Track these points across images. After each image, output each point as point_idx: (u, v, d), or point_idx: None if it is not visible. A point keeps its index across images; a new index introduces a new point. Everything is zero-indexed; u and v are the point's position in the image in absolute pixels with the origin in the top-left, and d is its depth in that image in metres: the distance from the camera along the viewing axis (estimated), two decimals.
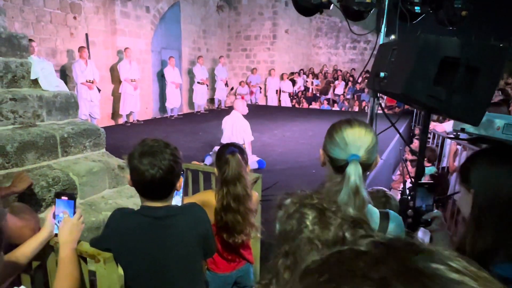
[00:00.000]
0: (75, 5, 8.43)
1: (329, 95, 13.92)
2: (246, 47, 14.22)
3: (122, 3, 9.37)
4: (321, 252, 0.78)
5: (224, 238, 1.93)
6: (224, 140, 5.26)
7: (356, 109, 12.60)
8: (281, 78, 13.73)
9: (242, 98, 11.19)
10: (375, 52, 2.07)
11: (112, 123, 9.52)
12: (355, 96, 12.93)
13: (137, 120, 9.31)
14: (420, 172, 1.74)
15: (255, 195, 2.10)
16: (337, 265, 0.36)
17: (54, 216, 1.46)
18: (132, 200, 2.68)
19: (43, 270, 1.60)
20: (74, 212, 1.45)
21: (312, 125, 9.04)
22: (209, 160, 5.51)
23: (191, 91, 11.69)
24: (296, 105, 14.00)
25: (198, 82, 11.24)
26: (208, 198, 1.96)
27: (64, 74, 8.30)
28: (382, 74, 1.68)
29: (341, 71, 14.82)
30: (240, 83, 13.52)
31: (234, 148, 1.93)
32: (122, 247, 1.40)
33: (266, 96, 14.07)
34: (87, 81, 7.83)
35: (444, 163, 5.18)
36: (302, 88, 14.48)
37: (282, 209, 0.92)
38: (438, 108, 1.45)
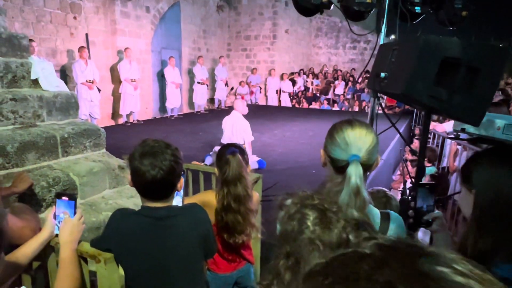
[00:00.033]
0: (75, 5, 8.43)
1: (329, 95, 13.92)
2: (246, 47, 14.22)
3: (122, 3, 9.37)
4: (322, 253, 0.78)
5: (224, 238, 1.93)
6: (224, 140, 5.26)
7: (356, 109, 12.61)
8: (281, 78, 13.73)
9: (242, 98, 11.21)
10: (375, 52, 2.07)
11: (112, 123, 9.53)
12: (355, 96, 12.94)
13: (137, 120, 9.32)
14: (420, 173, 1.74)
15: (256, 195, 2.10)
16: (341, 267, 0.36)
17: (55, 217, 1.46)
18: (132, 200, 2.68)
19: (43, 271, 1.61)
20: (75, 213, 1.45)
21: (312, 125, 9.04)
22: (209, 160, 5.51)
23: (191, 91, 11.70)
24: (296, 105, 14.01)
25: (198, 82, 11.24)
26: (209, 198, 1.96)
27: (64, 74, 8.30)
28: (382, 75, 1.68)
29: (341, 71, 14.83)
30: (240, 83, 13.52)
31: (235, 149, 1.93)
32: (122, 248, 1.40)
33: (266, 96, 14.07)
34: (87, 81, 7.83)
35: (444, 163, 5.18)
36: (302, 88, 14.48)
37: (283, 210, 0.92)
38: (438, 108, 1.45)
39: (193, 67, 11.43)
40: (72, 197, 1.46)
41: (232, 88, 13.63)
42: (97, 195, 2.65)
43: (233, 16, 14.11)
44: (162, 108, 11.00)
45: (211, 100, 12.83)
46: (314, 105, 13.70)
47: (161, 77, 10.76)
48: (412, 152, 4.27)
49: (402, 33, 2.36)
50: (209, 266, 2.04)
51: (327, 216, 0.86)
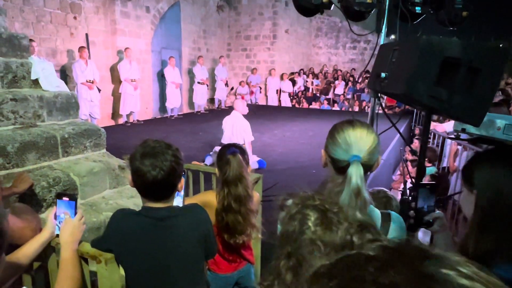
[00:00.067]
0: (75, 5, 8.43)
1: (329, 95, 13.92)
2: (246, 47, 14.22)
3: (122, 3, 9.37)
4: (324, 254, 0.78)
5: (225, 238, 1.93)
6: (225, 140, 5.26)
7: (356, 109, 12.61)
8: (281, 78, 13.73)
9: (242, 98, 11.20)
10: (375, 53, 2.07)
11: (112, 123, 9.52)
12: (355, 96, 12.94)
13: (137, 120, 9.32)
14: (421, 173, 1.74)
15: (257, 195, 2.10)
16: (346, 270, 0.36)
17: (55, 217, 1.46)
18: (132, 200, 2.68)
19: (44, 271, 1.61)
20: (75, 213, 1.45)
21: (312, 125, 9.04)
22: (209, 160, 5.51)
23: (191, 91, 11.70)
24: (296, 105, 14.01)
25: (198, 82, 11.24)
26: (209, 198, 1.95)
27: (64, 74, 8.30)
28: (383, 75, 1.68)
29: (341, 71, 14.83)
30: (240, 83, 13.52)
31: (235, 149, 1.93)
32: (123, 248, 1.40)
33: (266, 96, 14.07)
34: (87, 81, 7.83)
35: (444, 163, 5.19)
36: (302, 88, 14.48)
37: (284, 210, 0.92)
38: (439, 109, 1.45)
39: (193, 67, 11.43)
40: (73, 198, 1.46)
41: (232, 88, 13.63)
42: (97, 195, 2.65)
43: (233, 16, 14.11)
44: (162, 108, 11.00)
45: (211, 100, 12.83)
46: (314, 105, 13.70)
47: (161, 77, 10.76)
48: (412, 152, 4.27)
49: (403, 33, 2.36)
50: (209, 266, 2.04)
51: (328, 216, 0.86)
